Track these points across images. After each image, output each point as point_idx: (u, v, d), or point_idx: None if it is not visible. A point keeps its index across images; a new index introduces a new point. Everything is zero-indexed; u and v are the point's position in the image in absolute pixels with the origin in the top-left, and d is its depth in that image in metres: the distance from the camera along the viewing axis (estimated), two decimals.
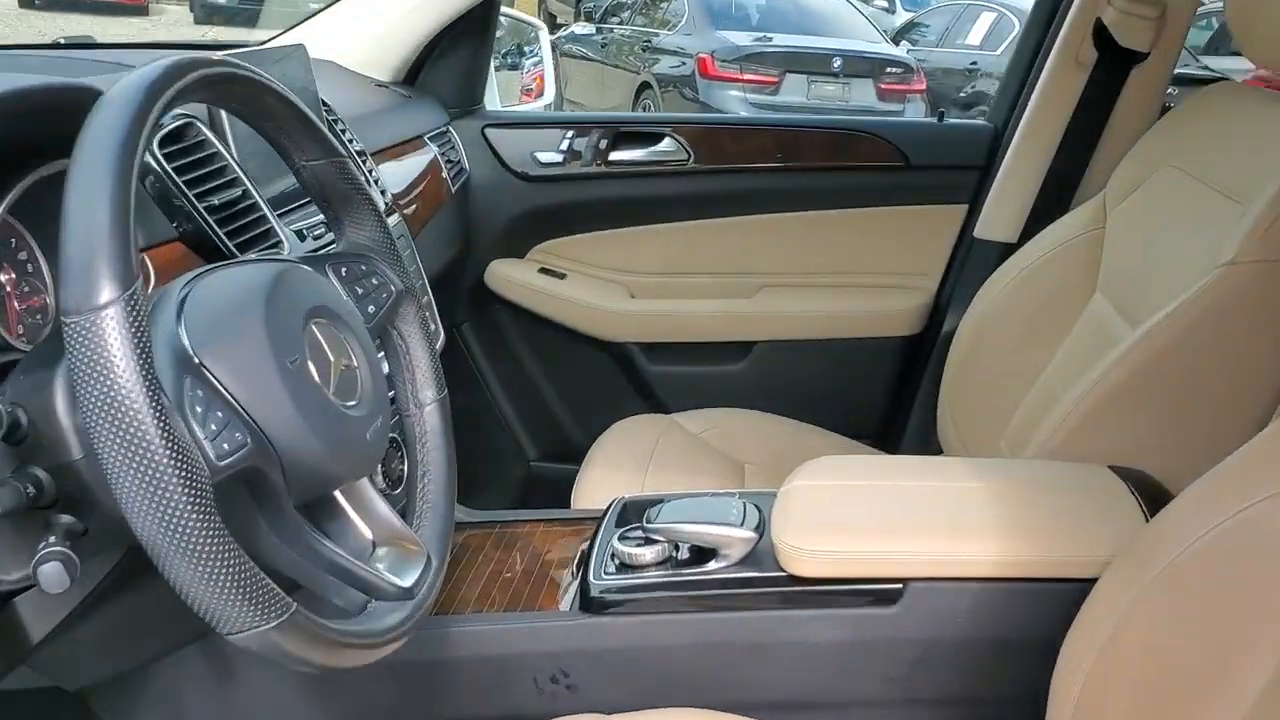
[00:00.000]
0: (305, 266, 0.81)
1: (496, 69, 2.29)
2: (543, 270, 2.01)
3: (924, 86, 7.75)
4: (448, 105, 1.94)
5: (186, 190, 0.97)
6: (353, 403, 0.77)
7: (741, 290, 2.01)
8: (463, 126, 1.94)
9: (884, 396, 2.00)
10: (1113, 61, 1.71)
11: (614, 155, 1.97)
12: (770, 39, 7.54)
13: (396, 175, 1.59)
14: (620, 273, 2.03)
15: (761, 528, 1.13)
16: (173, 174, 0.97)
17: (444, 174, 1.79)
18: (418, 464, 0.91)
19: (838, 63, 7.45)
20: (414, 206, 1.63)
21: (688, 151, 1.95)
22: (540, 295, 1.99)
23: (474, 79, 1.98)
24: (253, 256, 0.86)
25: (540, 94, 2.54)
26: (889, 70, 7.63)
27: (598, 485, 1.55)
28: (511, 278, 2.00)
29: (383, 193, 1.38)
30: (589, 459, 1.63)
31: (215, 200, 1.01)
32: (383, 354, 0.91)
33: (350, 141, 1.37)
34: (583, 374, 2.06)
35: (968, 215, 1.93)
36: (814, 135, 1.96)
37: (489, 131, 1.97)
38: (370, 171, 1.38)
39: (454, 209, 1.85)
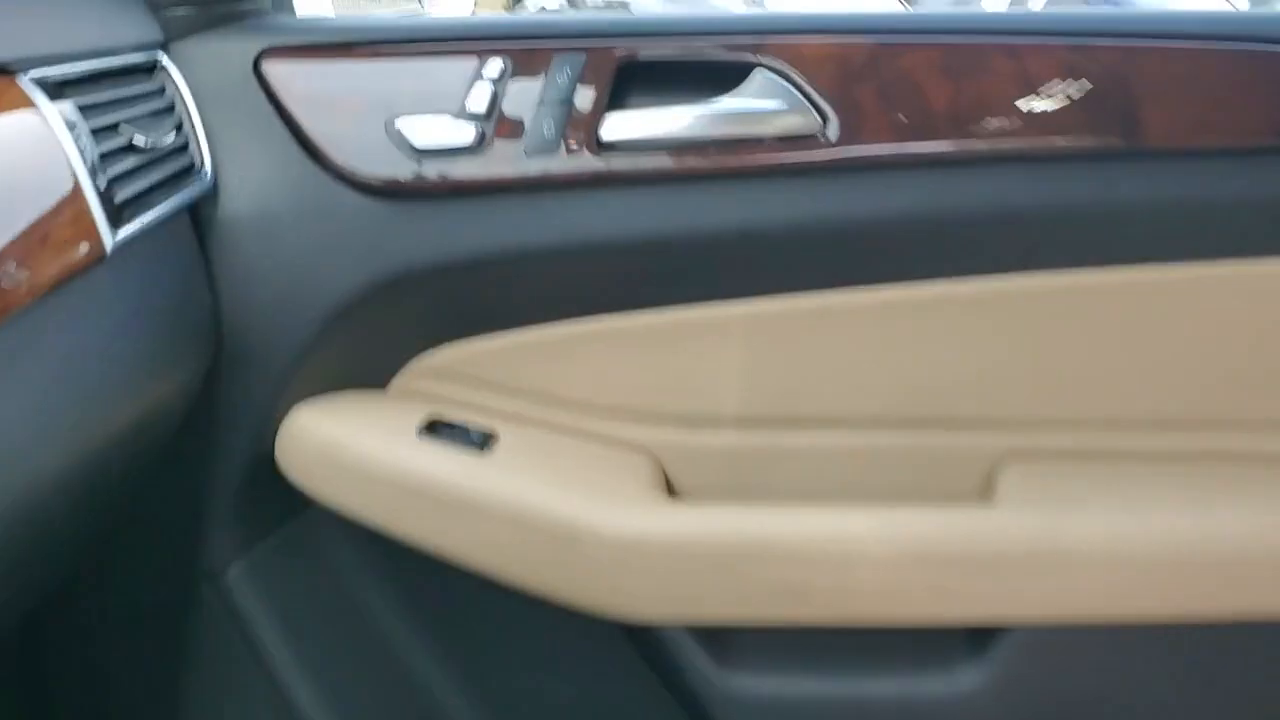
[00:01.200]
0: None
1: None
2: (431, 425, 0.80)
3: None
4: (159, 2, 0.77)
5: None
6: None
7: (957, 476, 0.80)
8: (202, 55, 0.76)
9: None
10: None
11: (612, 127, 0.74)
12: None
13: None
14: (635, 424, 0.83)
15: None
16: None
17: (94, 194, 0.56)
18: None
19: None
20: None
21: (819, 111, 0.72)
22: (429, 497, 0.77)
23: None
24: None
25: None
26: None
27: None
28: (351, 449, 0.78)
29: None
30: None
31: None
32: None
33: None
34: (552, 708, 0.85)
35: None
36: (1165, 59, 0.71)
37: (273, 68, 0.77)
38: None
39: (155, 274, 0.63)
